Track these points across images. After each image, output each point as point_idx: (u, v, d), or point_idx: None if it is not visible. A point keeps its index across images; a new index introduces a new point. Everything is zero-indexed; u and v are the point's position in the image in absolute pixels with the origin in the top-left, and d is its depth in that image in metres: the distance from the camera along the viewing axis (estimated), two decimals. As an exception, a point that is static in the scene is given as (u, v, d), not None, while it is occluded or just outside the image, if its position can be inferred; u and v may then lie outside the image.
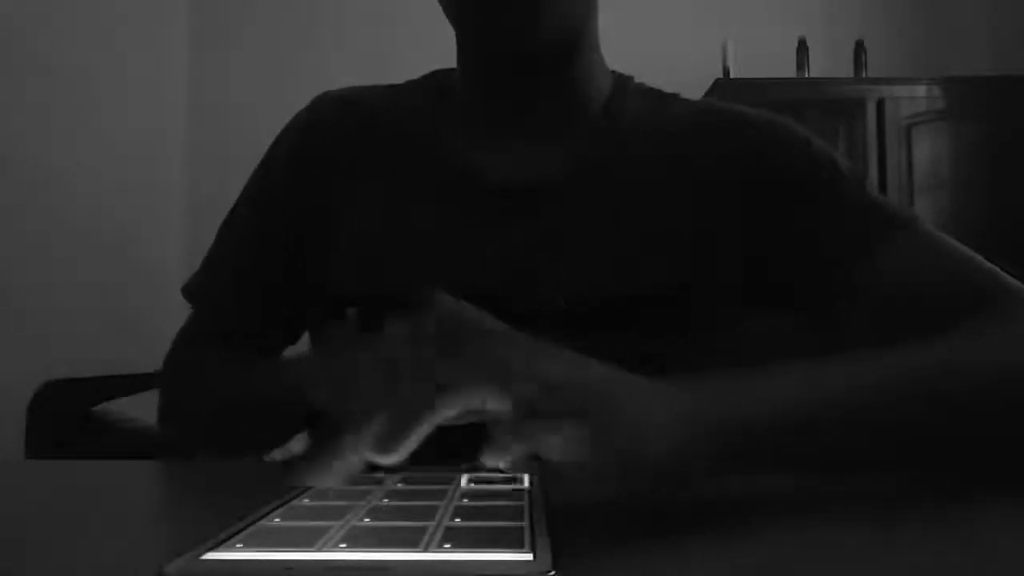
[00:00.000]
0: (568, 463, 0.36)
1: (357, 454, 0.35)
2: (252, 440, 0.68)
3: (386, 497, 0.38)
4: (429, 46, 1.15)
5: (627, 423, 0.37)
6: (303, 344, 0.76)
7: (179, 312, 0.78)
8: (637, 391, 0.39)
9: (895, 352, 0.46)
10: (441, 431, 0.36)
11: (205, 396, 0.69)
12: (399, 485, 0.41)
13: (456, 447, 0.41)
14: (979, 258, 0.60)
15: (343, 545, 0.29)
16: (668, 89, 0.74)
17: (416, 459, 0.36)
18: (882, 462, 0.45)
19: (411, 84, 0.75)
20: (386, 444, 0.34)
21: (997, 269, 0.59)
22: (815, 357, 0.44)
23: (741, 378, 0.42)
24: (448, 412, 0.35)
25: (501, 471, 0.40)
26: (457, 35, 0.68)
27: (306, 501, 0.38)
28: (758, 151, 0.68)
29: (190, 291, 0.75)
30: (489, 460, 0.35)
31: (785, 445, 0.41)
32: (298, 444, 0.59)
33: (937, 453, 0.45)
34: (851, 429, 0.42)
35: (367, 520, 0.33)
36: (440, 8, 0.65)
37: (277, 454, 0.58)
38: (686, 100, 0.74)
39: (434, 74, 0.75)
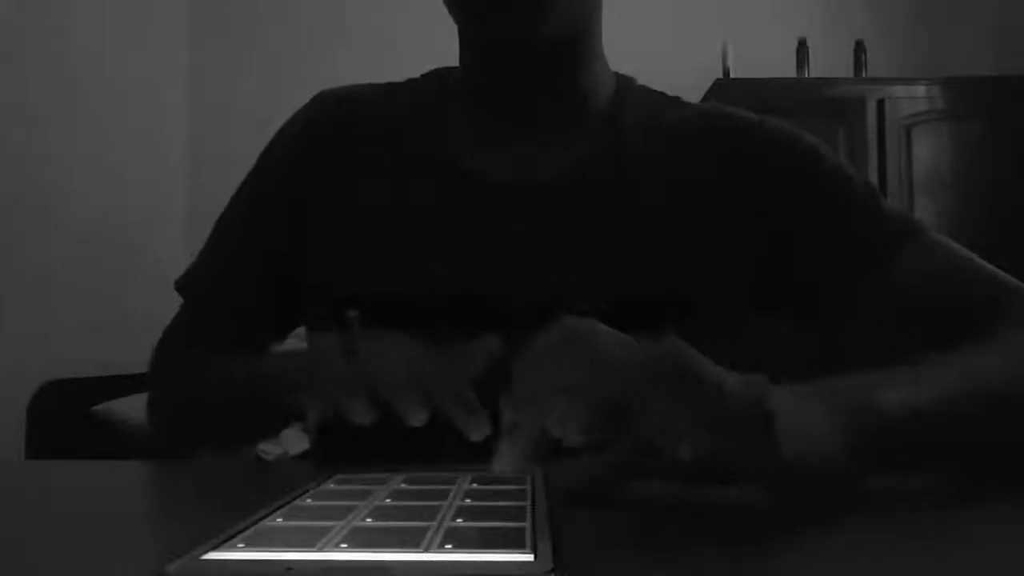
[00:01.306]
0: (726, 469, 0.37)
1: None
2: (240, 434, 0.68)
3: (388, 497, 0.38)
4: (430, 46, 1.15)
5: (783, 424, 0.38)
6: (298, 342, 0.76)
7: (179, 312, 0.78)
8: (779, 392, 0.40)
9: (958, 357, 0.50)
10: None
11: (196, 390, 0.70)
12: (401, 485, 0.41)
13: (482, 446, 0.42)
14: (988, 265, 0.61)
15: (344, 545, 0.29)
16: (668, 89, 0.74)
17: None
18: (963, 460, 0.48)
19: (411, 83, 0.75)
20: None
21: (1006, 275, 0.60)
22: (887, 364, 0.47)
23: (856, 377, 0.45)
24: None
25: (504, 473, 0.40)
26: (461, 34, 0.68)
27: (308, 501, 0.37)
28: (762, 154, 0.67)
29: (183, 285, 0.75)
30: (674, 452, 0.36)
31: (912, 437, 0.43)
32: (296, 445, 0.59)
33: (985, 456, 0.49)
34: (957, 427, 0.46)
35: (369, 520, 0.33)
36: (443, 7, 0.64)
37: (272, 453, 0.58)
38: (689, 104, 0.73)
39: (435, 73, 0.75)
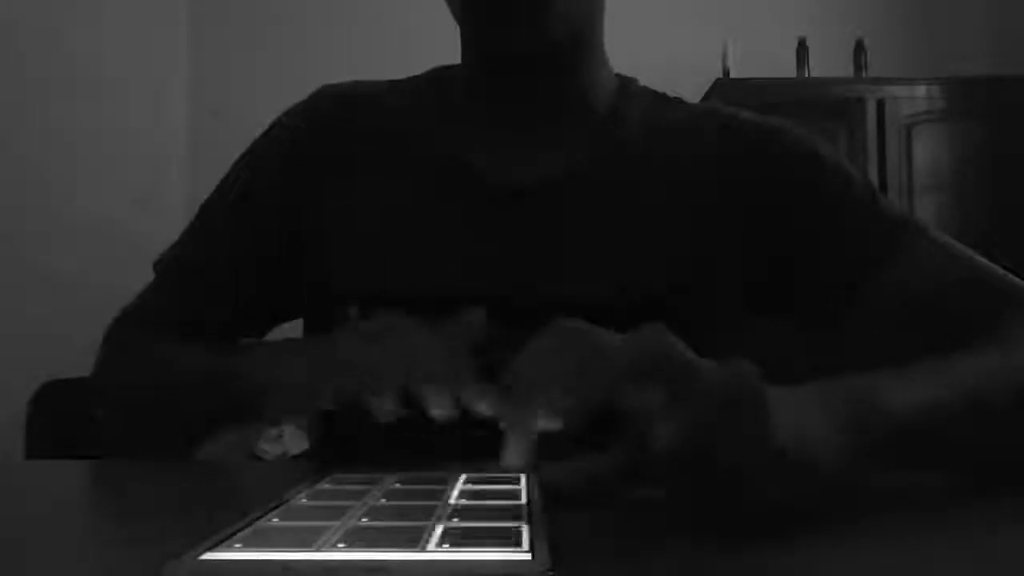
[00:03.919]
0: (716, 466, 0.35)
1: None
2: (192, 428, 0.65)
3: (384, 497, 0.38)
4: (431, 45, 1.15)
5: (781, 420, 0.36)
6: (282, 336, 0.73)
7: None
8: (776, 392, 0.38)
9: (959, 358, 0.50)
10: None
11: (154, 379, 0.67)
12: (396, 484, 0.41)
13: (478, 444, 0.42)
14: (991, 264, 0.61)
15: (341, 545, 0.29)
16: (668, 89, 0.74)
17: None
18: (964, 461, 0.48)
19: (413, 80, 0.74)
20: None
21: (1009, 274, 0.60)
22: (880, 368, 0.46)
23: (853, 378, 0.44)
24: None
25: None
26: (463, 34, 0.68)
27: (304, 501, 0.37)
28: (762, 155, 0.68)
29: (163, 267, 0.72)
30: (656, 443, 0.35)
31: (915, 436, 0.43)
32: (296, 445, 0.59)
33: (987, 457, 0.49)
34: (959, 427, 0.45)
35: (365, 520, 0.33)
36: (445, 7, 0.64)
37: (271, 453, 0.58)
38: (690, 104, 0.74)
39: (436, 71, 0.75)
